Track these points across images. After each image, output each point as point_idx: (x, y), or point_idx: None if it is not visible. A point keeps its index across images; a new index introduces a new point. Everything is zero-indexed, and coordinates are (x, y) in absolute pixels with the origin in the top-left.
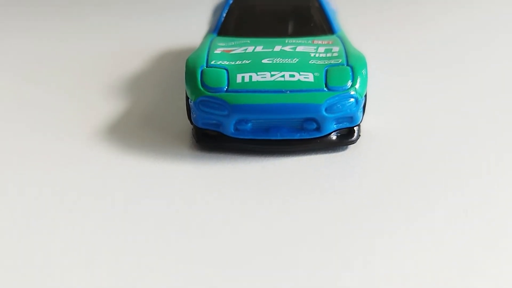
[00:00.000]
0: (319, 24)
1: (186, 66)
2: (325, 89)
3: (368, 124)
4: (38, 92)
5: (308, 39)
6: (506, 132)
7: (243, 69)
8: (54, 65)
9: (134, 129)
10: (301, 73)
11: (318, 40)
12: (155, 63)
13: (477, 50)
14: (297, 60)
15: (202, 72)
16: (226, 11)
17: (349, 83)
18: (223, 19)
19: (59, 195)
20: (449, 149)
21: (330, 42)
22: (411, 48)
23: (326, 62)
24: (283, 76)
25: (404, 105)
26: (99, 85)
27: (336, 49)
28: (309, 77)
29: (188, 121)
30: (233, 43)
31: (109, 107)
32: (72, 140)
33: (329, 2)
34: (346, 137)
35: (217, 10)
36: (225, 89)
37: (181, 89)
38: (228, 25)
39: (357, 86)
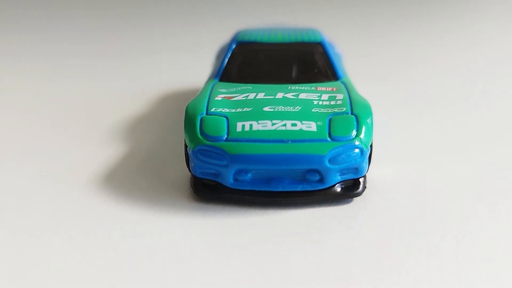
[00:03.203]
0: (323, 70)
1: (186, 113)
2: (328, 139)
3: (374, 175)
4: (37, 134)
5: (312, 86)
6: None
7: (244, 117)
8: (55, 105)
9: (133, 176)
10: (303, 122)
11: (322, 86)
12: (158, 105)
13: (483, 90)
14: (300, 108)
15: (201, 120)
16: (228, 56)
17: (354, 133)
18: (225, 64)
19: (51, 244)
20: (458, 200)
21: (334, 89)
22: (417, 90)
23: (330, 111)
24: (284, 125)
25: (412, 153)
26: (100, 127)
27: (340, 96)
28: (312, 126)
29: (187, 169)
30: (234, 89)
31: (109, 152)
32: (70, 186)
33: (334, 46)
34: (351, 189)
35: (220, 54)
36: (224, 138)
37: (182, 135)
38: (230, 70)
39: (362, 136)
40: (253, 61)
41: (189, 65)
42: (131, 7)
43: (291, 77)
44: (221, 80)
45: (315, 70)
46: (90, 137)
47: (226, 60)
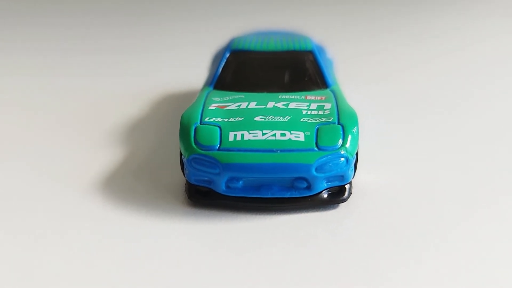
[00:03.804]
0: (313, 78)
1: (181, 123)
2: (315, 148)
3: (360, 179)
4: (32, 135)
5: (302, 95)
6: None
7: (236, 126)
8: (51, 106)
9: (129, 180)
10: (292, 132)
11: (311, 95)
12: (155, 106)
13: (474, 94)
14: (289, 118)
15: (195, 129)
16: (222, 64)
17: (340, 142)
18: (219, 72)
19: (46, 247)
20: (445, 206)
21: (323, 98)
22: (406, 94)
23: (318, 120)
24: (274, 135)
25: (398, 158)
26: (98, 129)
27: (328, 106)
28: (300, 136)
29: (182, 174)
30: (227, 98)
31: (105, 155)
32: (65, 191)
33: (325, 51)
34: (337, 195)
35: (216, 60)
36: (217, 147)
37: (178, 139)
38: (224, 79)
39: (347, 145)
40: (246, 69)
41: (189, 66)
42: (133, 7)
43: (282, 85)
44: (215, 88)
45: (306, 79)
46: (87, 138)
47: (220, 68)
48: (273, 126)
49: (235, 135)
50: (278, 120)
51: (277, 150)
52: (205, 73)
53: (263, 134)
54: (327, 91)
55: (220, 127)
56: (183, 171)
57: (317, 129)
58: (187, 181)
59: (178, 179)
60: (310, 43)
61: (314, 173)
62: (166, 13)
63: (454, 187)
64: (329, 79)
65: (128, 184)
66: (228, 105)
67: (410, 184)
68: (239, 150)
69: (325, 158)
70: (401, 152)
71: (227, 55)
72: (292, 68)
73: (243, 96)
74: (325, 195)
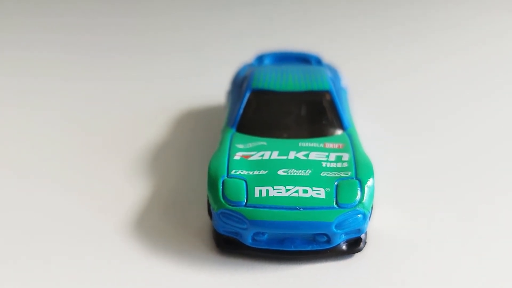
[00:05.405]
0: (331, 120)
1: (208, 174)
2: (335, 206)
3: (374, 226)
4: (58, 165)
5: (320, 141)
6: None
7: (261, 181)
8: (70, 129)
9: (156, 221)
10: (313, 188)
11: (330, 143)
12: (178, 128)
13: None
14: (310, 171)
15: (223, 183)
16: (244, 105)
17: (358, 198)
18: (241, 114)
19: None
20: (456, 251)
21: (341, 146)
22: (416, 128)
23: (337, 175)
24: (297, 191)
25: (410, 201)
26: (123, 159)
27: (346, 157)
28: (321, 193)
29: (208, 217)
30: (250, 146)
31: (132, 190)
32: (93, 227)
33: (340, 76)
34: (354, 245)
35: (235, 92)
36: (244, 203)
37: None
38: (246, 120)
39: (364, 200)
40: (266, 111)
41: (210, 79)
42: (153, 24)
43: (302, 129)
44: (238, 130)
45: (324, 122)
46: (114, 171)
47: (242, 109)
48: (295, 181)
49: (260, 191)
50: (300, 174)
51: (300, 208)
52: (225, 86)
53: (287, 191)
54: (344, 135)
55: (246, 181)
56: (209, 212)
57: (337, 185)
58: (214, 230)
59: (204, 219)
60: (328, 81)
61: (334, 229)
62: (187, 29)
63: (464, 236)
64: (346, 121)
65: (155, 225)
66: (252, 154)
67: (420, 226)
68: (264, 207)
69: (344, 215)
70: (413, 190)
71: (248, 94)
72: (311, 110)
73: (265, 143)
74: (343, 246)
